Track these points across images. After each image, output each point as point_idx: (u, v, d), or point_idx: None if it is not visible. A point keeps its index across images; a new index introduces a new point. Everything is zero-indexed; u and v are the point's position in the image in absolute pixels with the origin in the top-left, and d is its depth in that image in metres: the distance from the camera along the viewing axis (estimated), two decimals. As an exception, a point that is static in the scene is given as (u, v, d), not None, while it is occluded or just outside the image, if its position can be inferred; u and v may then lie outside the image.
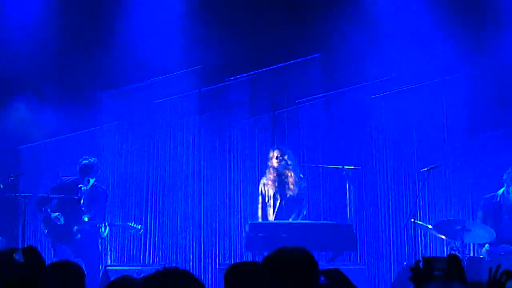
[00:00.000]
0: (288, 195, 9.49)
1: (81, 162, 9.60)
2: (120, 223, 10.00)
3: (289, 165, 9.48)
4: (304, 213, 9.51)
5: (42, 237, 9.79)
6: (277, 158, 9.50)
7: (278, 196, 9.50)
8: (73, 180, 9.61)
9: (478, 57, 10.60)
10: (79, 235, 9.38)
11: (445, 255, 9.91)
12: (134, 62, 10.70)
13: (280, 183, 9.51)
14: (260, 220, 9.48)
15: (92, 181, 9.57)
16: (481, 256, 9.10)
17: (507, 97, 10.57)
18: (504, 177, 9.49)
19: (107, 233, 9.58)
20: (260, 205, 9.60)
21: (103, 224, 9.43)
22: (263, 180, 9.68)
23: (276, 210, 9.48)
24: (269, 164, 9.62)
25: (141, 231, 9.93)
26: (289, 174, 9.51)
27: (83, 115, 10.88)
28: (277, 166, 9.48)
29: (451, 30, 10.47)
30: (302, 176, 9.66)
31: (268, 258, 3.47)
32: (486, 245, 9.17)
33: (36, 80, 10.62)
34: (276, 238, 8.69)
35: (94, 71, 10.77)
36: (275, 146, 9.78)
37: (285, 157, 9.49)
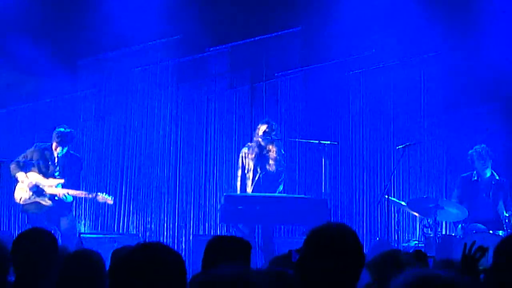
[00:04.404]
0: (267, 169, 9.47)
1: (56, 129, 9.56)
2: (94, 193, 9.80)
3: (273, 140, 9.43)
4: (281, 189, 9.51)
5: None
6: (264, 132, 9.43)
7: (258, 169, 9.48)
8: (47, 147, 9.57)
9: (457, 36, 10.63)
10: (51, 203, 9.35)
11: (417, 232, 10.00)
12: (114, 30, 10.59)
13: (261, 157, 9.48)
14: (238, 191, 9.47)
15: (64, 149, 9.53)
16: (453, 234, 9.20)
17: (484, 76, 10.62)
18: (471, 157, 9.54)
19: (72, 199, 9.52)
20: (239, 178, 9.58)
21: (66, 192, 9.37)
22: (243, 152, 9.64)
23: (254, 183, 9.48)
24: (255, 137, 9.56)
25: (111, 202, 9.81)
26: (271, 149, 9.46)
27: (60, 82, 10.80)
28: (262, 140, 9.43)
29: (432, 8, 10.48)
30: (283, 153, 9.64)
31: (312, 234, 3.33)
32: (460, 225, 9.28)
33: (13, 45, 10.50)
34: (250, 211, 8.72)
35: (73, 38, 10.65)
36: (265, 120, 9.69)
37: (273, 133, 9.44)
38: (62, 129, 9.52)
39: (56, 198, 9.35)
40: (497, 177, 9.54)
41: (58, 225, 9.31)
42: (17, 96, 10.86)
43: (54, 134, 9.52)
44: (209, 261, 4.23)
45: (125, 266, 2.75)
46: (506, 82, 10.40)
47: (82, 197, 10.05)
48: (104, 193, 9.61)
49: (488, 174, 9.53)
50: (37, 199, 9.34)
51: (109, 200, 9.56)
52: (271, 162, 9.46)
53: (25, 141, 10.40)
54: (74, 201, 9.77)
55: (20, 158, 9.51)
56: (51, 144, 9.55)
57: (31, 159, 9.45)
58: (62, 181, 9.39)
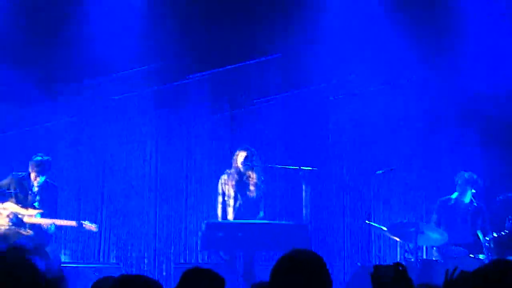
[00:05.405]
0: (248, 196, 9.48)
1: (33, 158, 9.49)
2: (77, 222, 9.73)
3: (253, 166, 9.46)
4: (262, 215, 9.52)
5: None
6: (245, 159, 9.44)
7: (239, 196, 9.49)
8: (24, 176, 9.49)
9: (435, 61, 10.73)
10: (32, 233, 9.26)
11: (398, 257, 10.01)
12: (93, 57, 10.60)
13: (241, 183, 9.49)
14: (220, 219, 9.46)
15: (42, 178, 9.47)
16: (434, 259, 9.23)
17: (463, 100, 10.72)
18: (456, 181, 9.64)
19: (54, 229, 9.45)
20: (220, 205, 9.56)
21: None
22: (223, 179, 9.63)
23: (235, 210, 9.47)
24: (234, 163, 9.57)
25: (96, 230, 9.75)
26: (251, 175, 9.49)
27: (39, 109, 10.76)
28: (242, 166, 9.45)
29: (410, 34, 10.58)
30: (263, 179, 9.66)
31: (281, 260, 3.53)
32: (434, 248, 9.35)
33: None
34: (231, 238, 8.70)
35: (52, 65, 10.64)
36: (244, 146, 9.70)
37: (253, 158, 9.47)
38: (39, 158, 9.45)
39: (36, 227, 9.26)
40: (475, 203, 9.62)
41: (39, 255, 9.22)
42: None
43: (33, 164, 9.43)
44: None
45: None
46: (483, 107, 10.49)
47: (63, 226, 9.98)
48: (87, 221, 9.54)
49: (468, 200, 9.61)
50: (17, 230, 9.24)
51: (94, 227, 9.50)
52: (251, 188, 9.47)
53: (2, 170, 10.31)
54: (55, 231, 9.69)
55: (-1, 188, 9.43)
56: (29, 174, 9.47)
57: (9, 189, 9.37)
58: (41, 211, 9.32)
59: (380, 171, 9.40)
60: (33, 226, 9.28)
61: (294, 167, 9.60)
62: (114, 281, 2.73)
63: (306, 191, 9.32)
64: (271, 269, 3.56)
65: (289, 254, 3.59)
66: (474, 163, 10.05)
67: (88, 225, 9.43)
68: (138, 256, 10.94)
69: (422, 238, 8.83)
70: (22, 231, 9.23)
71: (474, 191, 9.58)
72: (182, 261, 10.74)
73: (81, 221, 9.50)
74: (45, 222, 9.25)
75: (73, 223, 9.53)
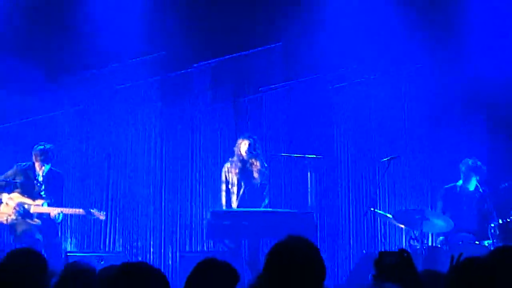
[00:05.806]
0: (252, 183, 9.50)
1: (36, 148, 9.49)
2: (85, 210, 9.72)
3: (256, 154, 9.48)
4: (266, 202, 9.54)
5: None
6: (249, 147, 9.46)
7: (242, 184, 9.51)
8: (29, 166, 9.51)
9: (439, 49, 10.69)
10: (39, 222, 9.29)
11: (404, 244, 10.03)
12: (97, 47, 10.61)
13: (245, 171, 9.51)
14: (224, 207, 9.48)
15: (47, 167, 9.48)
16: (439, 246, 9.23)
17: (468, 88, 10.68)
18: (461, 168, 9.64)
19: (62, 218, 9.47)
20: (223, 192, 9.59)
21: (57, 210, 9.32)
22: (226, 167, 9.66)
23: (239, 198, 9.49)
24: (237, 151, 9.59)
25: (104, 218, 9.78)
26: (254, 162, 9.51)
27: (44, 99, 10.77)
28: (245, 155, 9.47)
29: (414, 21, 10.54)
30: (266, 165, 9.68)
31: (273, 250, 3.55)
32: (441, 237, 9.35)
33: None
34: (237, 226, 8.73)
35: (57, 55, 10.65)
36: (246, 135, 9.71)
37: (257, 145, 9.50)
38: (42, 147, 9.46)
39: (44, 216, 9.29)
40: (481, 190, 9.61)
41: (45, 243, 9.24)
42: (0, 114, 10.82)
43: (36, 153, 9.43)
44: (195, 282, 4.20)
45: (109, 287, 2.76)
46: (488, 94, 10.46)
47: (68, 215, 10.00)
48: (95, 209, 9.57)
49: (473, 187, 9.61)
50: (25, 220, 9.26)
51: (102, 215, 9.53)
52: (255, 175, 9.50)
53: (8, 160, 10.33)
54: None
55: (1, 178, 9.44)
56: (33, 163, 9.48)
57: (14, 180, 9.38)
58: (48, 200, 9.34)
59: (385, 159, 9.40)
60: (40, 216, 9.30)
61: (299, 155, 9.61)
62: (117, 269, 2.74)
63: (311, 179, 9.34)
64: (265, 255, 3.58)
65: (283, 241, 3.62)
66: (479, 150, 10.03)
67: (97, 213, 9.46)
68: (143, 245, 10.97)
69: (427, 225, 8.83)
70: (31, 221, 9.25)
71: (479, 177, 9.58)
72: (187, 249, 10.76)
73: (90, 209, 9.52)
74: (53, 210, 9.28)
75: (81, 211, 9.53)
